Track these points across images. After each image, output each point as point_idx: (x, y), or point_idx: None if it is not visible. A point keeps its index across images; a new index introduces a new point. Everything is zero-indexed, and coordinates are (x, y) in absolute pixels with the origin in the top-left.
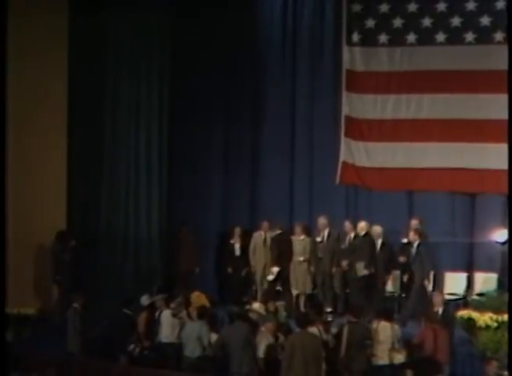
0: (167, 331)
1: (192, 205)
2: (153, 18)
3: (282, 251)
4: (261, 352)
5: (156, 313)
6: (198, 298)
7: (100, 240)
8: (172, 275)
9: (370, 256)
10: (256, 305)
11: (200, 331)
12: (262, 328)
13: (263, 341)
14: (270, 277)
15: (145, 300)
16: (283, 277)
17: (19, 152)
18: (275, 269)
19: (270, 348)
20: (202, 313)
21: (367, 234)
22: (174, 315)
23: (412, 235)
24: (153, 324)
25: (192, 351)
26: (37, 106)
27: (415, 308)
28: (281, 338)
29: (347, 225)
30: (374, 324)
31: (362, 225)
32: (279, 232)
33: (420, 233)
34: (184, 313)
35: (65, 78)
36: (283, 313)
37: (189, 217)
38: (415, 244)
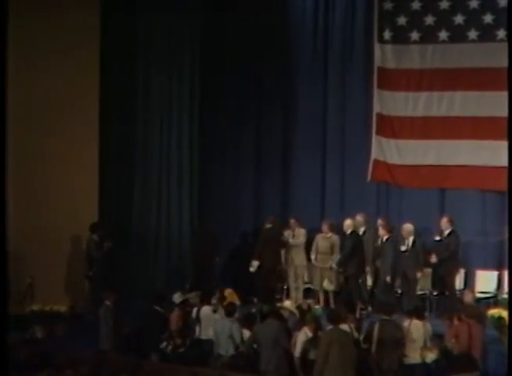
0: (207, 328)
1: (224, 204)
2: (184, 16)
3: (266, 245)
4: (298, 350)
5: (194, 310)
6: (230, 296)
7: (132, 238)
8: (203, 268)
9: (346, 256)
10: (287, 303)
11: (231, 329)
12: (305, 328)
13: (301, 339)
14: (251, 269)
15: (177, 298)
16: (264, 271)
17: (51, 152)
18: (256, 263)
19: (308, 346)
20: (230, 311)
21: (353, 232)
22: (214, 311)
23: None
24: (190, 321)
25: (225, 350)
26: (69, 105)
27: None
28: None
29: (380, 223)
30: (406, 323)
31: (348, 223)
32: (269, 226)
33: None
34: (221, 309)
35: (97, 77)
36: (318, 310)
37: (220, 216)
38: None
